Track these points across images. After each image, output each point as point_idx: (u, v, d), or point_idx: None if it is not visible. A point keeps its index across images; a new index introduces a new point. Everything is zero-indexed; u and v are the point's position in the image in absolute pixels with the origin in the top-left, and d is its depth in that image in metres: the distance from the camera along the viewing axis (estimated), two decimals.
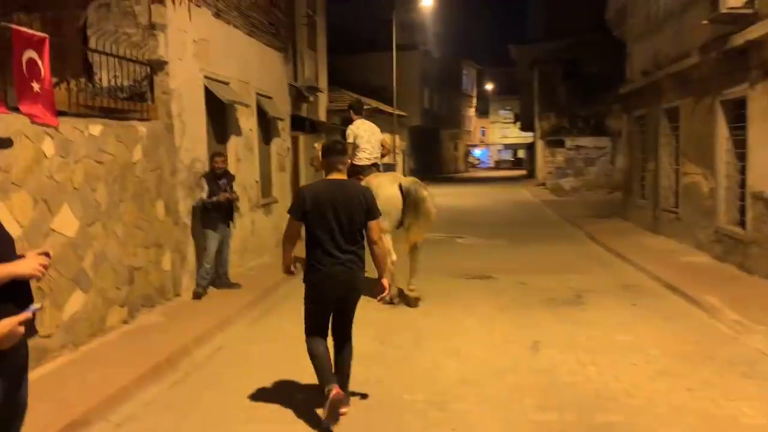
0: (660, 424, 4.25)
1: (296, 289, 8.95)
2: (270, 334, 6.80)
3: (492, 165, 70.67)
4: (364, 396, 4.77)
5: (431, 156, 42.40)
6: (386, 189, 7.59)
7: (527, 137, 45.45)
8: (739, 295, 7.40)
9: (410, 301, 7.83)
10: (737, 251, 8.93)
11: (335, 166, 4.55)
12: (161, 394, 5.06)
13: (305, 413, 4.57)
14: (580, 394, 4.81)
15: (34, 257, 2.68)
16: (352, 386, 5.07)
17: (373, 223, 4.48)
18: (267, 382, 5.25)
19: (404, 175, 9.74)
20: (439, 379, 5.22)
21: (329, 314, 4.60)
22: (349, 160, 6.77)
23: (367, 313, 7.33)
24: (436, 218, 8.18)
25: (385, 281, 4.58)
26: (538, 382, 5.09)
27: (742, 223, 8.95)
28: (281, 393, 4.99)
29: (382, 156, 9.10)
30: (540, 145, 32.64)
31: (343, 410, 4.27)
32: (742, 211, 8.95)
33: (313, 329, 4.56)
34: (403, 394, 4.90)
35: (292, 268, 4.69)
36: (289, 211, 4.48)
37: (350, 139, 8.67)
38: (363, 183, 7.13)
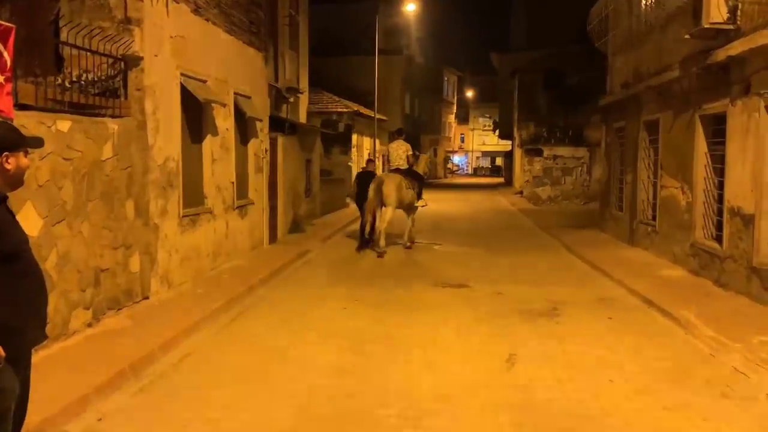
0: None
1: (269, 293, 8.83)
2: (240, 340, 6.61)
3: (470, 172, 70.92)
4: None
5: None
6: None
7: (506, 145, 45.70)
8: (715, 311, 7.38)
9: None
10: (713, 266, 8.94)
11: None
12: (123, 403, 4.84)
13: (271, 428, 4.39)
14: (556, 413, 4.70)
15: None
16: (324, 397, 4.92)
17: None
18: (235, 392, 5.07)
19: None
20: (413, 393, 5.08)
21: None
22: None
23: (341, 323, 7.21)
24: (393, 198, 12.29)
25: None
26: (514, 398, 4.97)
27: (718, 238, 8.96)
28: (249, 405, 4.81)
29: (409, 165, 13.16)
30: (518, 154, 32.80)
31: None
32: (719, 226, 8.97)
33: None
34: (375, 409, 4.74)
35: None
36: None
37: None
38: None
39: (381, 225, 12.29)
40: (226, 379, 5.41)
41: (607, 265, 10.50)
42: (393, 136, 13.91)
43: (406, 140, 13.77)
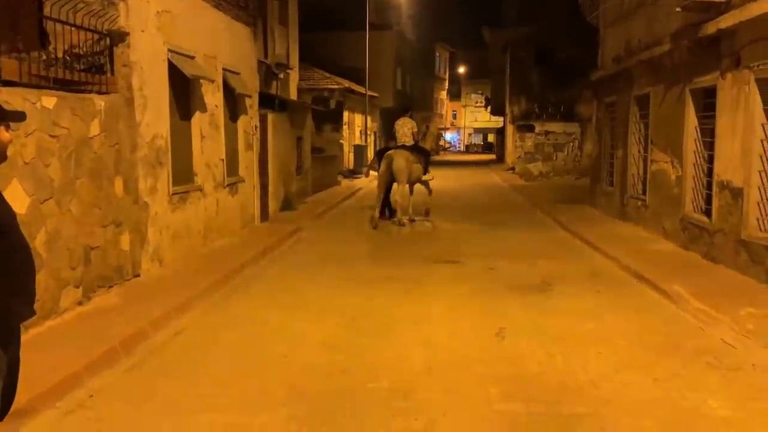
0: (626, 416, 4.20)
1: (261, 271, 8.82)
2: (232, 318, 6.61)
3: (462, 149, 70.80)
4: None
5: (392, 139, 42.13)
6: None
7: (498, 122, 45.56)
8: (704, 284, 7.44)
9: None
10: (702, 240, 8.99)
11: None
12: (114, 380, 4.85)
13: (264, 403, 4.42)
14: (546, 385, 4.74)
15: None
16: (316, 372, 4.95)
17: None
18: (226, 369, 5.09)
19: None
20: (405, 367, 5.11)
21: None
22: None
23: (333, 300, 7.23)
24: (404, 173, 13.07)
25: None
26: (505, 371, 5.01)
27: (707, 212, 9.00)
28: (241, 381, 4.83)
29: (415, 141, 13.90)
30: (510, 130, 32.74)
31: None
32: (708, 200, 9.00)
33: None
34: (367, 383, 4.77)
35: None
36: None
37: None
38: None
39: (400, 200, 13.28)
40: (218, 355, 5.42)
41: (598, 240, 10.55)
42: (398, 114, 14.94)
43: (399, 116, 14.40)
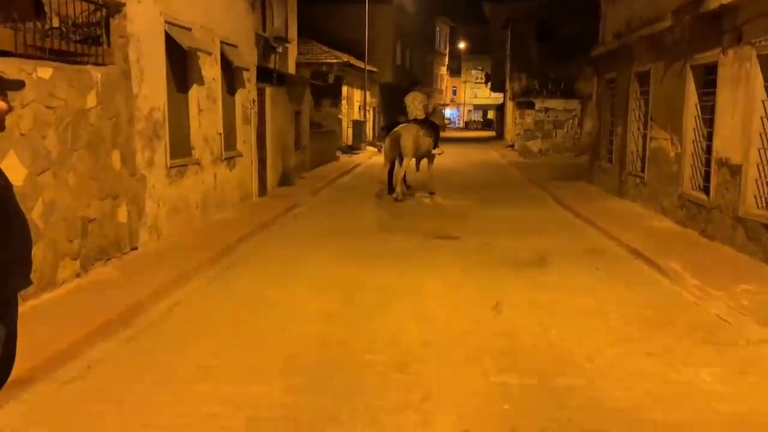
0: (619, 389, 4.24)
1: (259, 245, 8.84)
2: (230, 291, 6.64)
3: (462, 126, 70.49)
4: None
5: (402, 114, 41.94)
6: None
7: (498, 98, 45.31)
8: (700, 260, 7.47)
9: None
10: (700, 217, 9.00)
11: None
12: (113, 351, 4.88)
13: (261, 373, 4.46)
14: (540, 358, 4.78)
15: None
16: (313, 344, 4.99)
17: None
18: (224, 341, 5.13)
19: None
20: (401, 340, 5.15)
21: None
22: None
23: (331, 274, 7.25)
24: (411, 148, 13.35)
25: None
26: (500, 345, 5.05)
27: (705, 189, 9.00)
28: (238, 353, 4.87)
29: (426, 115, 14.01)
30: (510, 107, 32.57)
31: None
32: (707, 177, 9.00)
33: None
34: (364, 355, 4.81)
35: None
36: None
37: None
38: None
39: (399, 174, 13.45)
40: (215, 327, 5.45)
41: (596, 217, 10.56)
42: (398, 89, 16.18)
43: (401, 93, 14.64)
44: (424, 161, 14.50)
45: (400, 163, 13.65)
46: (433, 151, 14.20)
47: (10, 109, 3.10)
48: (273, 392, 4.16)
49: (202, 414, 3.84)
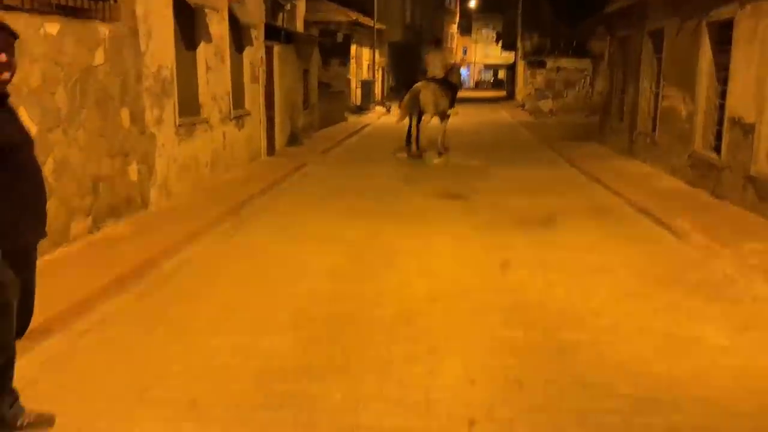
0: (623, 343, 4.29)
1: (268, 204, 8.89)
2: (240, 248, 6.72)
3: (472, 85, 69.69)
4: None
5: (412, 73, 41.53)
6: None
7: (509, 58, 44.67)
8: (709, 219, 7.45)
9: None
10: (710, 177, 8.95)
11: None
12: (126, 305, 4.98)
13: (271, 326, 4.54)
14: (546, 314, 4.83)
15: None
16: (322, 299, 5.06)
17: None
18: (235, 295, 5.21)
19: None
20: (409, 295, 5.21)
21: None
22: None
23: (339, 232, 7.31)
24: (431, 105, 13.36)
25: None
26: (506, 300, 5.11)
27: (717, 149, 8.93)
28: (249, 306, 4.95)
29: (445, 74, 14.08)
30: (521, 66, 32.14)
31: None
32: (719, 136, 8.91)
33: None
34: (372, 309, 4.88)
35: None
36: None
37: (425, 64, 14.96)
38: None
39: (424, 131, 13.54)
40: (226, 283, 5.53)
41: (606, 177, 10.52)
42: (430, 46, 16.45)
43: (411, 52, 14.58)
44: (438, 120, 14.41)
45: (418, 120, 13.59)
46: (449, 111, 14.12)
47: (8, 62, 2.99)
48: (283, 344, 4.24)
49: (214, 365, 3.93)
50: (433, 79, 13.81)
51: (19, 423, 3.14)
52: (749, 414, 3.39)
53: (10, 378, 3.10)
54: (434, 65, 14.18)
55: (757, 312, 4.92)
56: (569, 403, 3.49)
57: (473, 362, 3.99)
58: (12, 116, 3.07)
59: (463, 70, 72.61)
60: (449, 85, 14.05)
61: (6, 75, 2.92)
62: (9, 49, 3.00)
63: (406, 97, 13.69)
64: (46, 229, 3.31)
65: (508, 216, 8.14)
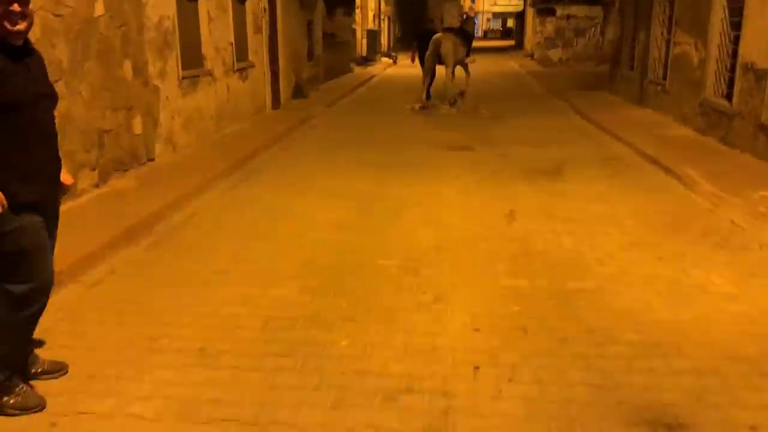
0: (629, 290, 4.31)
1: (274, 157, 8.87)
2: (246, 201, 6.73)
3: (480, 35, 68.38)
4: None
5: (418, 23, 40.74)
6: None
7: (518, 5, 43.61)
8: (718, 168, 7.38)
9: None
10: (721, 124, 8.83)
11: None
12: (134, 257, 5.03)
13: (279, 277, 4.58)
14: (552, 262, 4.85)
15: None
16: (329, 250, 5.09)
17: None
18: (242, 247, 5.24)
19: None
20: (415, 246, 5.23)
21: None
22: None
23: (346, 184, 7.30)
24: (450, 56, 13.64)
25: None
26: (512, 249, 5.12)
27: (728, 96, 8.78)
28: (256, 258, 4.99)
29: (461, 24, 14.74)
30: (530, 14, 31.42)
31: None
32: (730, 83, 8.75)
33: None
34: (378, 260, 4.91)
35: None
36: None
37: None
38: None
39: (447, 82, 13.71)
40: (233, 235, 5.57)
41: (615, 126, 10.40)
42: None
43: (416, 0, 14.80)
44: (459, 69, 14.63)
45: (434, 72, 13.85)
46: (466, 60, 14.38)
47: (22, 12, 2.91)
48: (290, 294, 4.29)
49: (222, 314, 3.99)
50: (451, 29, 14.29)
51: (33, 370, 3.22)
52: (751, 357, 3.42)
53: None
54: (451, 15, 14.96)
55: (765, 259, 4.91)
56: (573, 349, 3.52)
57: (478, 310, 4.02)
58: (31, 69, 2.96)
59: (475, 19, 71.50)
60: (465, 34, 14.36)
61: (22, 25, 2.83)
62: None
63: (430, 49, 13.73)
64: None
65: (516, 166, 8.09)
